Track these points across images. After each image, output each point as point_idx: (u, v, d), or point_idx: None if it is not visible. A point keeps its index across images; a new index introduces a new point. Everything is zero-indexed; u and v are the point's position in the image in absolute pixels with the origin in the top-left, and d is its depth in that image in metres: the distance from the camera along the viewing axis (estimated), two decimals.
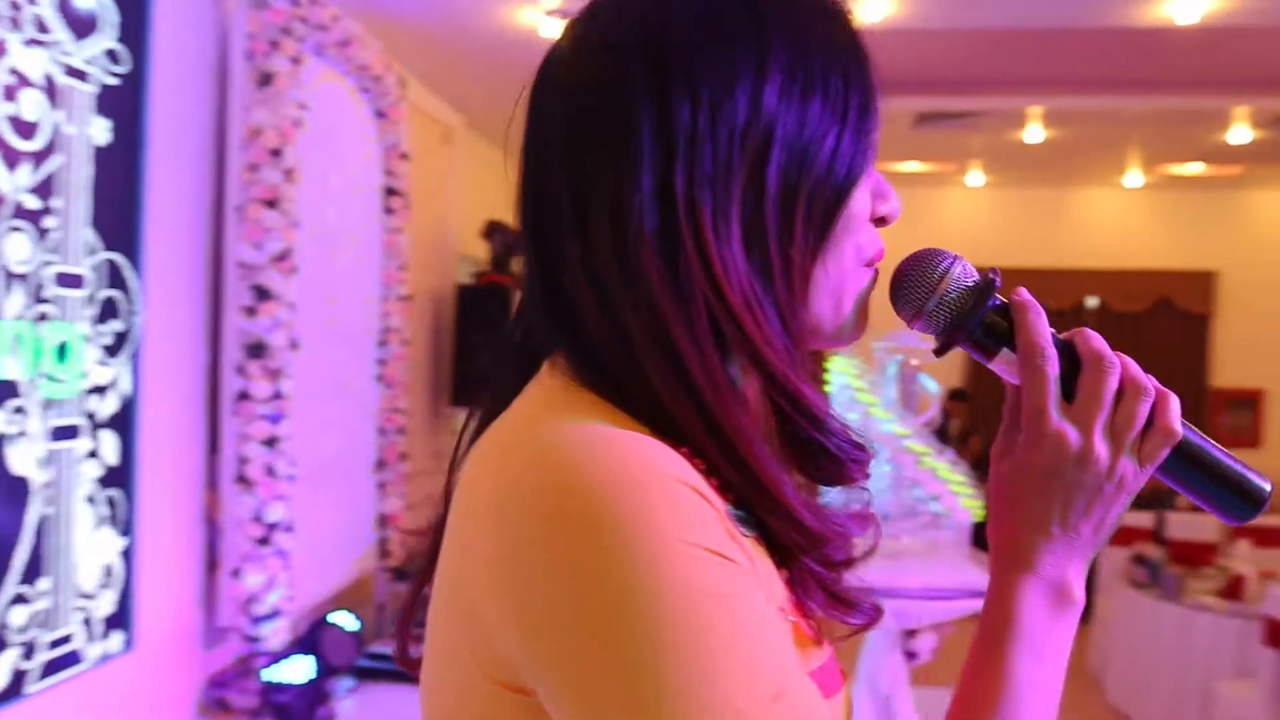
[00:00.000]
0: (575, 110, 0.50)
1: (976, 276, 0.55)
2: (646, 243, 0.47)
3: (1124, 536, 4.81)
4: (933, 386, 2.87)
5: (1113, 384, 0.52)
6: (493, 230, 5.39)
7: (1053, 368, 0.52)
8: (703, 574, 0.41)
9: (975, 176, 7.54)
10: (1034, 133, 5.97)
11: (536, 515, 0.42)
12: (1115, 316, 7.86)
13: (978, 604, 0.58)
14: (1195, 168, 6.82)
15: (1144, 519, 5.21)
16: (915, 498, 2.75)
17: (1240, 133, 5.81)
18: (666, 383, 0.46)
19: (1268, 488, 0.54)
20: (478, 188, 5.84)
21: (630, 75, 0.48)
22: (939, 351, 0.57)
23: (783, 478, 0.47)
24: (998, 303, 0.55)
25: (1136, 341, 7.87)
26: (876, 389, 2.82)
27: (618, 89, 0.48)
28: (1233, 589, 4.26)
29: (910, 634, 2.76)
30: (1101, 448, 0.52)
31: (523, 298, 0.56)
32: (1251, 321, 7.44)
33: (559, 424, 0.45)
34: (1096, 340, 0.54)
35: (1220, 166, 6.61)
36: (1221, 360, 7.61)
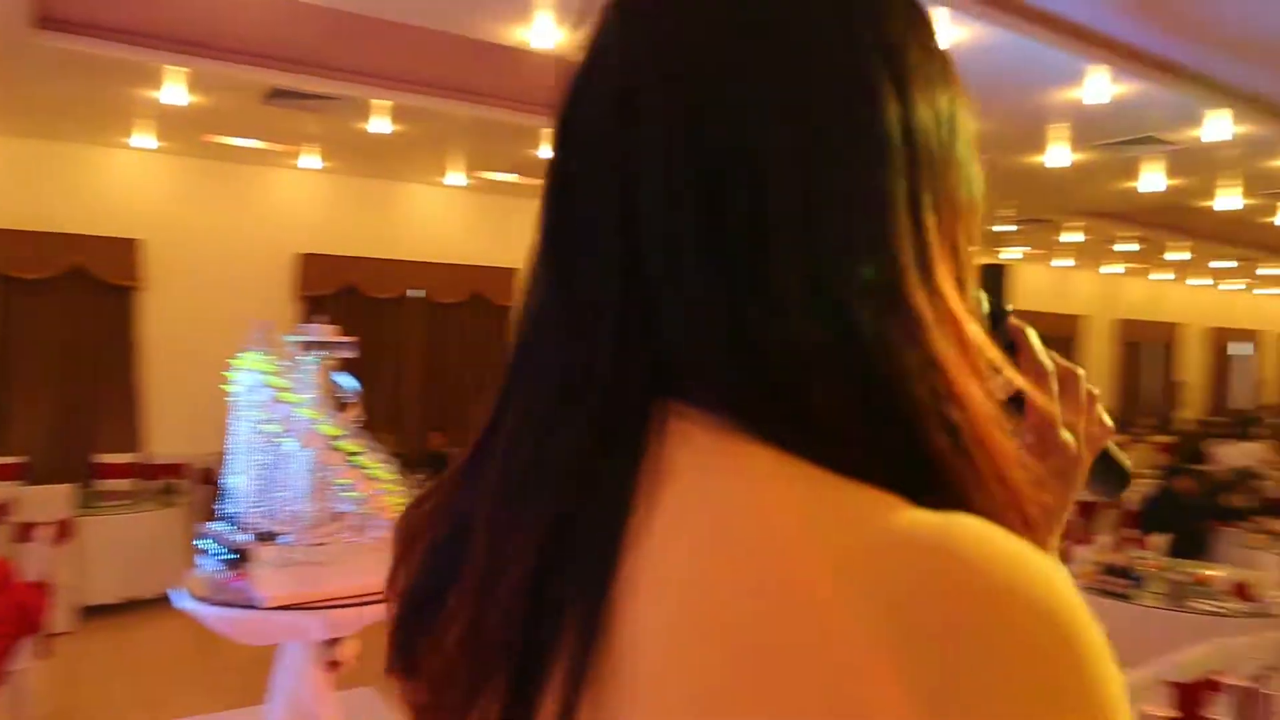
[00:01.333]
0: (800, 104, 0.41)
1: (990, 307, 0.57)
2: (910, 270, 0.40)
3: None
4: (351, 385, 2.74)
5: (1084, 394, 0.59)
6: None
7: (1054, 385, 0.57)
8: None
9: (311, 160, 7.42)
10: (380, 124, 6.10)
11: (1011, 645, 0.33)
12: (436, 306, 8.45)
13: None
14: (511, 176, 7.67)
15: None
16: (341, 500, 2.61)
17: (547, 150, 6.69)
18: (949, 441, 0.39)
19: (1129, 465, 0.65)
20: None
21: (876, 71, 0.42)
22: None
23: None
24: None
25: (459, 330, 8.59)
26: (299, 387, 2.60)
27: (865, 86, 0.42)
28: None
29: (332, 643, 2.62)
30: (1083, 449, 0.59)
31: (606, 330, 0.42)
32: None
33: (912, 515, 0.36)
34: (1057, 356, 0.59)
35: (530, 177, 7.50)
36: None
